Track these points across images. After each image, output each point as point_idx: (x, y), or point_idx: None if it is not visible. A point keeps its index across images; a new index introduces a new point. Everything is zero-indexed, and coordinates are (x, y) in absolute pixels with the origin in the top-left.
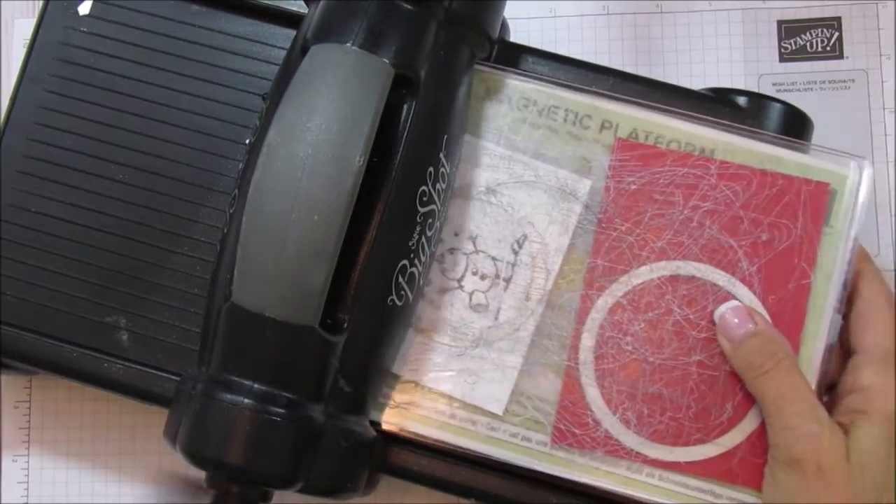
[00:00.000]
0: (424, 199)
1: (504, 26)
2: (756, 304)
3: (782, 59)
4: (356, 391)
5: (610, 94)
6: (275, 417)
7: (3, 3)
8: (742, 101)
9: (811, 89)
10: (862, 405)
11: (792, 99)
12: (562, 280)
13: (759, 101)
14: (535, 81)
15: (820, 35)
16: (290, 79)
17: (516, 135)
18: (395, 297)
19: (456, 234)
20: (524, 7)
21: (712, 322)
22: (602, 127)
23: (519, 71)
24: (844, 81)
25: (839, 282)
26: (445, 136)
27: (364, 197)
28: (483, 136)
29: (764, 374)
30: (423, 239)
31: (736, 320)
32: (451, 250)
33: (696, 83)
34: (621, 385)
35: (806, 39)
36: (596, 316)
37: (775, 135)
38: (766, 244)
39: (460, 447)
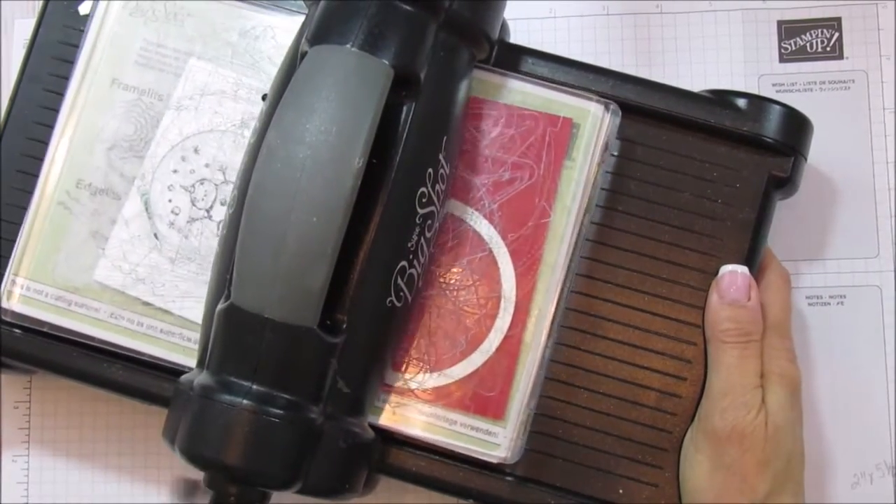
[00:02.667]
0: (423, 200)
1: (504, 27)
2: (496, 239)
3: (782, 59)
4: (354, 392)
5: None
6: (273, 418)
7: (3, 3)
8: (741, 102)
9: (811, 90)
10: (766, 366)
11: (792, 99)
12: None
13: (758, 103)
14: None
15: (820, 35)
16: (290, 80)
17: (274, 68)
18: (393, 298)
19: (207, 166)
20: (524, 7)
21: (452, 257)
22: None
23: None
24: (844, 82)
25: (576, 212)
26: (445, 138)
27: (363, 198)
28: (239, 70)
29: (730, 344)
30: (423, 240)
31: (736, 286)
32: (202, 181)
33: (697, 83)
34: None
35: (806, 40)
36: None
37: (523, 74)
38: (508, 183)
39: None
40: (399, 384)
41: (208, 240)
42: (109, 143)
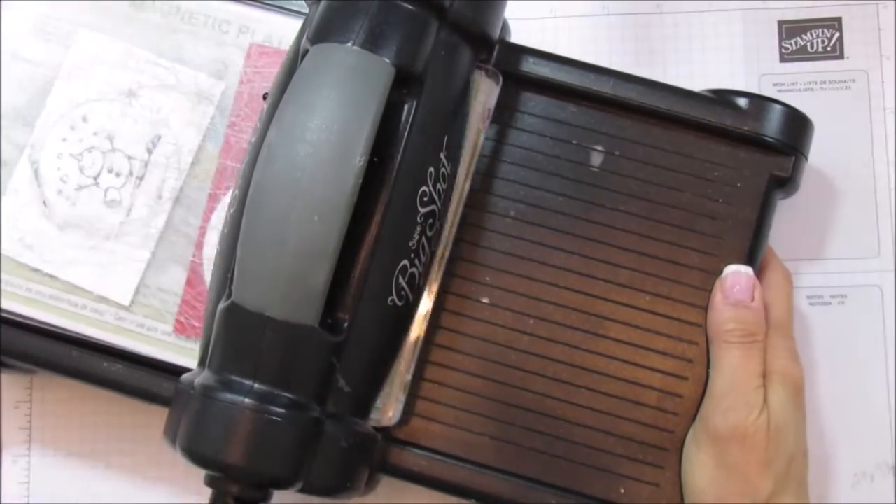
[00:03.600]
0: (425, 199)
1: (504, 26)
2: None
3: (783, 59)
4: (356, 391)
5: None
6: (275, 417)
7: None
8: (742, 102)
9: (811, 89)
10: (769, 366)
11: (792, 99)
12: (193, 179)
13: (759, 103)
14: None
15: (820, 35)
16: (291, 79)
17: (161, 39)
18: (395, 297)
19: (95, 134)
20: (524, 7)
21: None
22: (239, 32)
23: None
24: (844, 81)
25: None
26: (446, 137)
27: (364, 197)
28: (129, 39)
29: (734, 344)
30: (424, 239)
31: (740, 286)
32: (90, 149)
33: (697, 83)
34: None
35: (806, 40)
36: (221, 214)
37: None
38: None
39: (89, 336)
40: None
41: (96, 207)
42: (3, 113)
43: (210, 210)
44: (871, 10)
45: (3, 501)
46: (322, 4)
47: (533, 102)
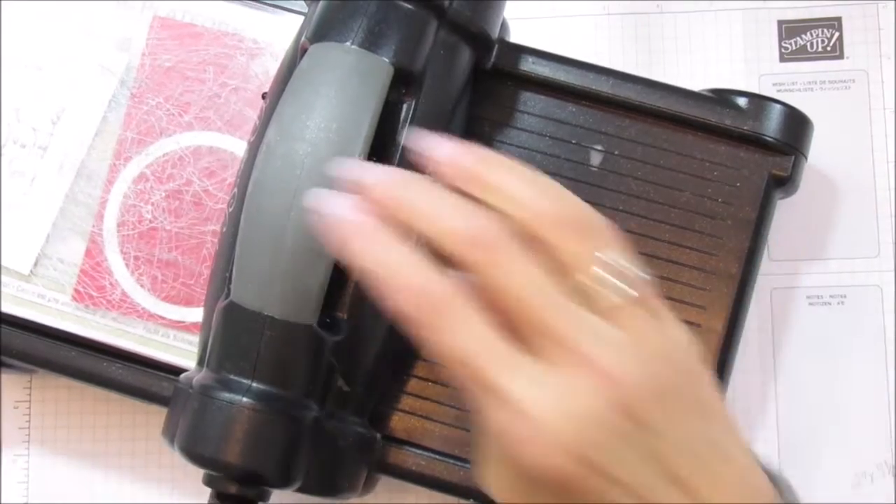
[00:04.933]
0: None
1: (504, 26)
2: None
3: (783, 59)
4: (355, 391)
5: None
6: (273, 416)
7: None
8: (742, 102)
9: (811, 89)
10: None
11: (792, 99)
12: (94, 151)
13: (759, 102)
14: None
15: (820, 35)
16: (290, 78)
17: (68, 11)
18: None
19: (2, 105)
20: (524, 7)
21: (230, 193)
22: (143, 7)
23: None
24: (844, 81)
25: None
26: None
27: None
28: (36, 10)
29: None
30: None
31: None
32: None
33: (697, 83)
34: (140, 251)
35: (806, 39)
36: (121, 186)
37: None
38: None
39: None
40: (180, 317)
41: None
42: None
43: (111, 181)
44: (871, 10)
45: (2, 501)
46: (321, 4)
47: (532, 102)
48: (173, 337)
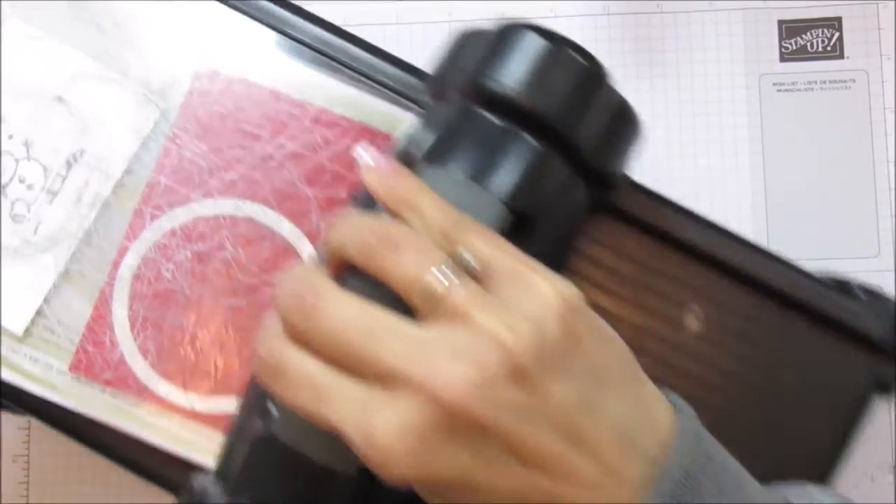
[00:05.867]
0: None
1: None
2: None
3: (783, 58)
4: None
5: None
6: None
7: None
8: (855, 292)
9: (811, 89)
10: None
11: (792, 99)
12: (120, 189)
13: (876, 300)
14: None
15: (820, 35)
16: None
17: (106, 44)
18: None
19: (10, 137)
20: (524, 7)
21: (264, 270)
22: (198, 44)
23: None
24: (844, 81)
25: None
26: None
27: None
28: (68, 39)
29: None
30: None
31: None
32: (3, 153)
33: (697, 83)
34: (150, 311)
35: (806, 39)
36: (146, 235)
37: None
38: (342, 203)
39: None
40: (176, 401)
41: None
42: None
43: (135, 227)
44: (871, 10)
45: (2, 501)
46: (444, 115)
47: (635, 245)
48: (169, 419)
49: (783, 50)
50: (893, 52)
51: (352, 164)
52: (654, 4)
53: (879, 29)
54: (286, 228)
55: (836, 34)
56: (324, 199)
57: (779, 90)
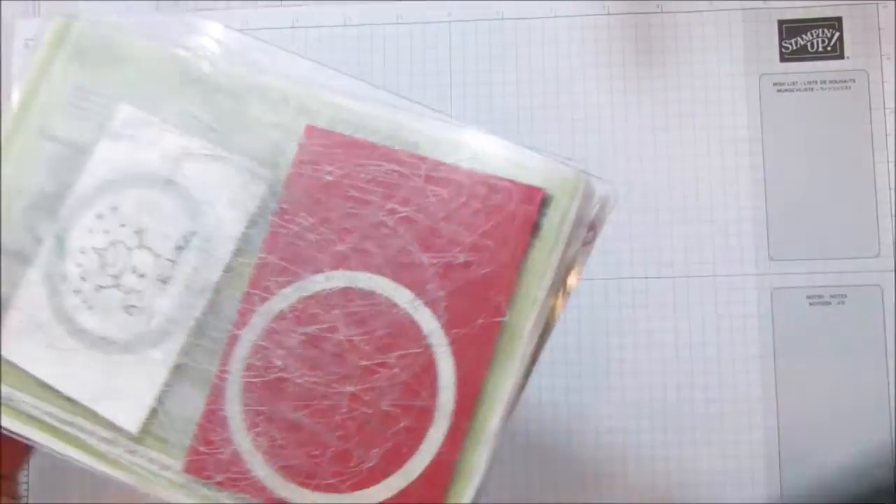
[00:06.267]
0: None
1: None
2: (438, 334)
3: (783, 58)
4: None
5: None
6: None
7: (2, 3)
8: None
9: (811, 89)
10: None
11: (792, 99)
12: (229, 273)
13: None
14: (235, 65)
15: (821, 35)
16: None
17: (211, 116)
18: None
19: (123, 226)
20: (524, 7)
21: (381, 349)
22: (298, 112)
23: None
24: (845, 81)
25: (539, 309)
26: None
27: None
28: (175, 118)
29: None
30: None
31: None
32: (115, 243)
33: (697, 83)
34: (262, 403)
35: (807, 39)
36: (256, 321)
37: (486, 130)
38: (462, 267)
39: (93, 469)
40: (296, 499)
41: (113, 314)
42: (29, 199)
43: (245, 314)
44: (871, 10)
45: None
46: None
47: None
48: None
49: (783, 50)
50: (893, 52)
51: (470, 221)
52: (654, 4)
53: (879, 29)
54: (403, 298)
55: (836, 34)
56: (441, 265)
57: (779, 90)
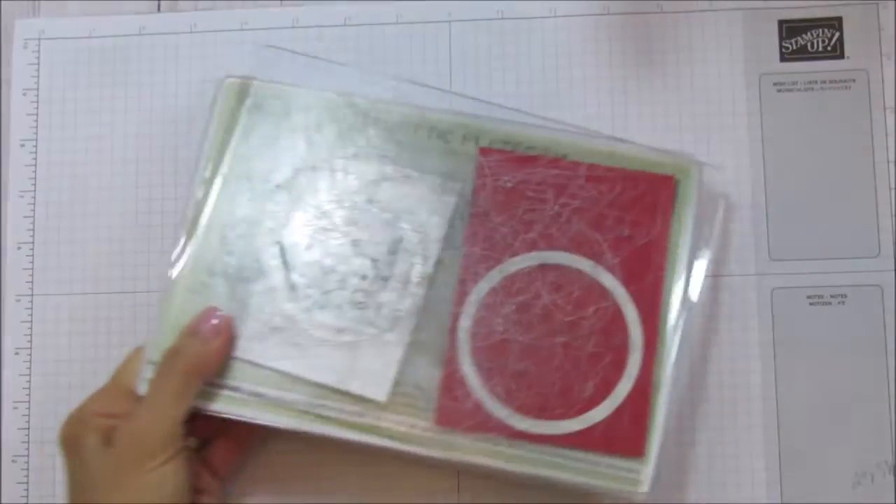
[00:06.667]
0: None
1: None
2: (620, 290)
3: (783, 58)
4: None
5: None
6: None
7: (2, 3)
8: None
9: (812, 89)
10: None
11: (792, 99)
12: (441, 266)
13: None
14: (402, 104)
15: (821, 35)
16: None
17: (389, 145)
18: None
19: (336, 239)
20: (524, 7)
21: (578, 306)
22: (463, 139)
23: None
24: (845, 81)
25: (685, 261)
26: None
27: None
28: (359, 152)
29: None
30: None
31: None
32: (333, 254)
33: (697, 83)
34: (492, 362)
35: (807, 39)
36: (472, 299)
37: (619, 137)
38: (627, 239)
39: (349, 439)
40: (538, 430)
41: (344, 309)
42: (239, 230)
43: (461, 295)
44: (871, 10)
45: (2, 501)
46: None
47: None
48: (531, 450)
49: (783, 50)
50: (893, 52)
51: (626, 205)
52: (654, 4)
53: (879, 29)
54: (587, 266)
55: (837, 34)
56: (611, 240)
57: (779, 90)
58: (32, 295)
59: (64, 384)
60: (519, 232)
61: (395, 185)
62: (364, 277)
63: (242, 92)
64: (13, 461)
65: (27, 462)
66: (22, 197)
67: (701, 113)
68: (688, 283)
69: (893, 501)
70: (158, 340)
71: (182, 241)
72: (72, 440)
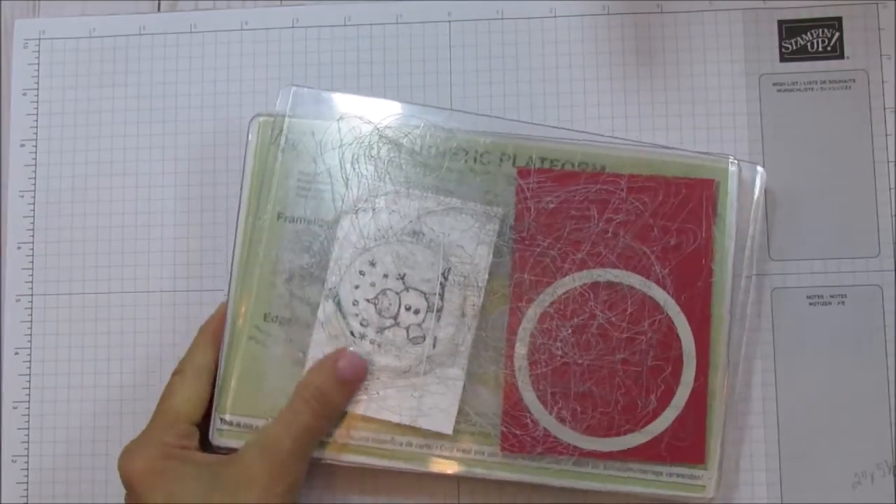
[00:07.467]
0: None
1: None
2: (670, 302)
3: (783, 58)
4: None
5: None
6: None
7: (2, 3)
8: None
9: (811, 89)
10: None
11: (792, 99)
12: (492, 295)
13: None
14: (434, 128)
15: (821, 35)
16: None
17: (428, 176)
18: None
19: (385, 276)
20: (524, 7)
21: (632, 323)
22: (501, 160)
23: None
24: (844, 81)
25: (731, 263)
26: None
27: None
28: (398, 186)
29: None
30: None
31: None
32: (384, 291)
33: (697, 83)
34: (555, 387)
35: (807, 39)
36: (527, 325)
37: (655, 144)
38: (675, 248)
39: (421, 471)
40: (606, 448)
41: (400, 345)
42: (287, 273)
43: (515, 322)
44: (871, 10)
45: (2, 501)
46: None
47: None
48: (603, 467)
49: (783, 50)
50: (893, 52)
51: (670, 214)
52: (654, 4)
53: (879, 29)
54: (637, 281)
55: (836, 34)
56: (658, 251)
57: (779, 90)
58: (32, 295)
59: (64, 384)
60: (567, 253)
61: (437, 217)
62: (416, 312)
63: (275, 130)
64: (13, 461)
65: (27, 462)
66: (22, 197)
67: (701, 113)
68: (734, 285)
69: (893, 501)
70: (224, 390)
71: (233, 287)
72: (154, 474)
